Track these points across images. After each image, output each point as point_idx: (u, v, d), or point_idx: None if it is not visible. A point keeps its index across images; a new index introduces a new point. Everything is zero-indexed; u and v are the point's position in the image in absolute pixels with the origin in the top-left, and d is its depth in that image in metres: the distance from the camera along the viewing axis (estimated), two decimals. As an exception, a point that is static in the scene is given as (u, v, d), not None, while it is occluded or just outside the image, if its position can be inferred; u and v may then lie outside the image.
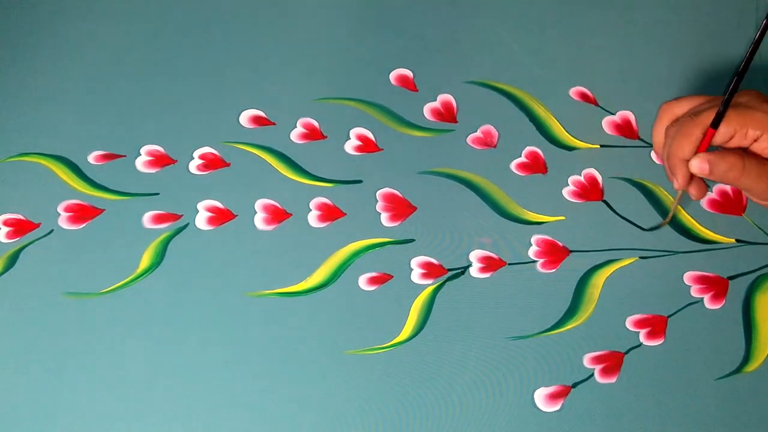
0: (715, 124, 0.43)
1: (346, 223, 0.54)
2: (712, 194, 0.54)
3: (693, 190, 0.47)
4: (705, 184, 0.48)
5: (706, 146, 0.44)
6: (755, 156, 0.44)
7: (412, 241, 0.53)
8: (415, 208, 0.54)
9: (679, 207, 0.54)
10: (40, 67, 0.60)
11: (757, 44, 0.42)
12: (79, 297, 0.51)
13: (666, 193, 0.54)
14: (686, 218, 0.53)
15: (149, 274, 0.52)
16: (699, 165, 0.44)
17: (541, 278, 0.52)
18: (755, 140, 0.43)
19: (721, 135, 0.43)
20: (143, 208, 0.54)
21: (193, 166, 0.56)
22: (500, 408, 0.48)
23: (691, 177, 0.46)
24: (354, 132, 0.57)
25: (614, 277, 0.52)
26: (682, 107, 0.46)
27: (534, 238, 0.53)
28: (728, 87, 0.42)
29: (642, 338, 0.50)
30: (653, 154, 0.56)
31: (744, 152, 0.44)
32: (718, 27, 0.61)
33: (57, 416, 0.47)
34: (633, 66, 0.59)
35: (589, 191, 0.55)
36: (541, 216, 0.54)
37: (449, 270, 0.52)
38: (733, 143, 0.44)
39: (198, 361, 0.49)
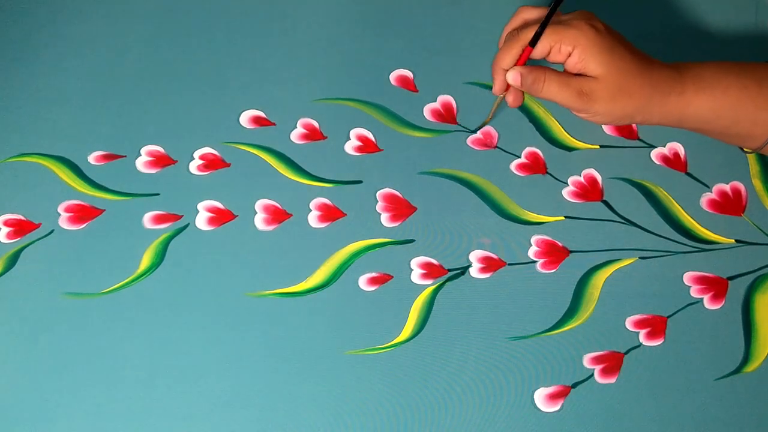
0: (533, 42, 0.47)
1: (346, 224, 0.54)
2: (711, 194, 0.54)
3: (510, 98, 0.51)
4: (521, 94, 0.51)
5: (523, 61, 0.48)
6: (559, 72, 0.48)
7: (412, 241, 0.53)
8: (415, 209, 0.54)
9: (679, 207, 0.54)
10: (40, 67, 0.60)
11: None
12: (80, 297, 0.51)
13: (666, 193, 0.54)
14: (686, 218, 0.54)
15: (149, 274, 0.52)
16: (513, 76, 0.48)
17: (541, 278, 0.52)
18: (569, 55, 0.47)
19: (538, 51, 0.47)
20: (143, 209, 0.54)
21: (194, 166, 0.56)
22: (500, 408, 0.48)
23: (509, 86, 0.50)
24: (354, 132, 0.57)
25: (614, 278, 0.52)
26: (532, 14, 0.50)
27: (534, 239, 0.53)
28: (550, 6, 0.47)
29: (642, 338, 0.50)
30: (652, 154, 0.56)
31: (550, 68, 0.48)
32: (718, 27, 0.61)
33: (57, 416, 0.48)
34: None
35: (589, 191, 0.55)
36: (541, 216, 0.54)
37: (449, 270, 0.52)
38: (552, 58, 0.48)
39: (198, 362, 0.49)
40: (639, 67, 0.47)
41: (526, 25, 0.48)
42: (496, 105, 0.53)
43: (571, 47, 0.46)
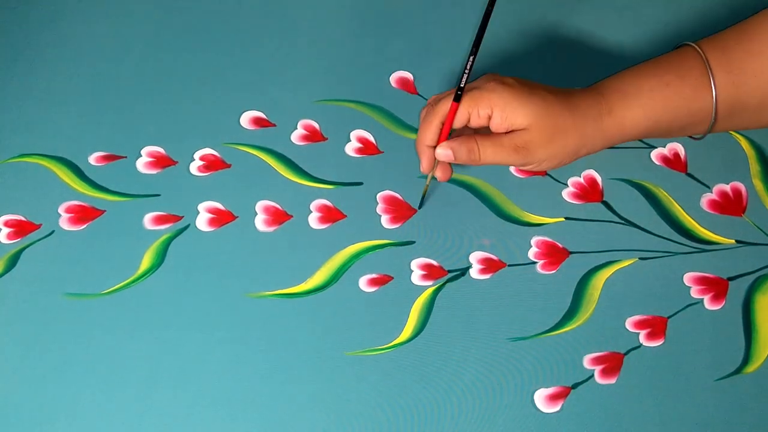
0: (457, 98, 0.46)
1: (346, 225, 0.54)
2: (711, 195, 0.54)
3: (439, 173, 0.50)
4: (449, 167, 0.51)
5: (446, 133, 0.47)
6: (489, 135, 0.47)
7: (412, 243, 0.53)
8: (415, 211, 0.54)
9: (679, 207, 0.54)
10: (40, 67, 0.60)
11: (479, 41, 0.45)
12: (80, 298, 0.51)
13: (666, 193, 0.54)
14: (686, 219, 0.54)
15: (150, 275, 0.52)
16: (444, 154, 0.47)
17: (541, 279, 0.52)
18: (489, 118, 0.46)
19: (458, 120, 0.47)
20: (144, 210, 0.54)
21: (194, 167, 0.56)
22: (500, 408, 0.48)
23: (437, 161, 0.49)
24: (354, 134, 0.57)
25: (614, 278, 0.52)
26: (442, 94, 0.49)
27: (534, 240, 0.53)
28: (459, 77, 0.46)
29: (642, 339, 0.50)
30: (652, 154, 0.56)
31: (476, 134, 0.48)
32: (718, 27, 0.61)
33: (57, 416, 0.47)
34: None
35: (589, 192, 0.55)
36: (541, 217, 0.54)
37: (449, 271, 0.52)
38: (473, 124, 0.47)
39: (198, 362, 0.49)
40: (562, 102, 0.46)
41: (437, 101, 0.48)
42: (428, 183, 0.52)
43: (489, 109, 0.46)
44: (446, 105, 0.47)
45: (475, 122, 0.47)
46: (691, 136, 0.52)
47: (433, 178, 0.51)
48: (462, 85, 0.46)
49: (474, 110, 0.46)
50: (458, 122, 0.47)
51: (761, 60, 0.45)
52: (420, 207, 0.53)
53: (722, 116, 0.47)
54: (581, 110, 0.46)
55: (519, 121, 0.46)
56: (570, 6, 0.63)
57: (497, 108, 0.46)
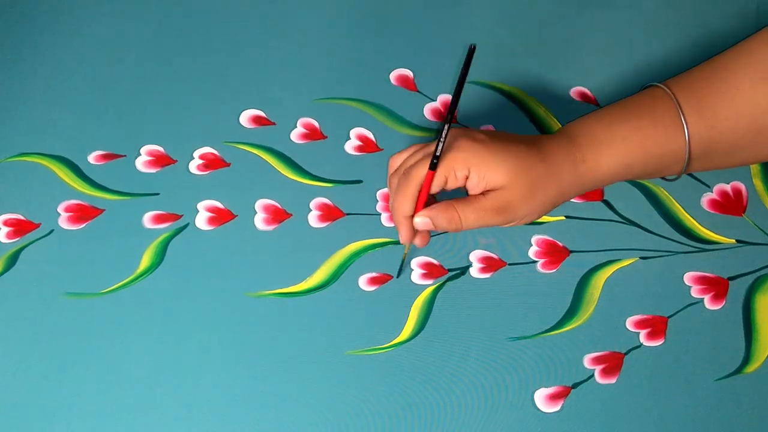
0: (433, 166, 0.44)
1: (346, 224, 0.54)
2: (712, 194, 0.54)
3: (418, 241, 0.49)
4: (428, 233, 0.49)
5: (423, 201, 0.46)
6: (467, 199, 0.46)
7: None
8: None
9: (680, 207, 0.54)
10: (40, 67, 0.60)
11: (458, 93, 0.43)
12: (80, 297, 0.51)
13: (666, 193, 0.54)
14: (687, 218, 0.54)
15: (149, 274, 0.52)
16: (423, 222, 0.46)
17: (541, 278, 0.52)
18: (467, 178, 0.45)
19: (436, 185, 0.45)
20: (143, 208, 0.54)
21: (194, 166, 0.56)
22: (500, 408, 0.48)
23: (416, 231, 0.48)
24: (354, 132, 0.57)
25: (614, 278, 0.52)
26: (402, 155, 0.48)
27: (534, 239, 0.53)
28: (437, 141, 0.44)
29: (642, 339, 0.50)
30: None
31: (454, 200, 0.46)
32: (719, 27, 0.61)
33: (57, 416, 0.48)
34: (633, 66, 0.59)
35: (590, 191, 0.55)
36: (542, 216, 0.54)
37: (449, 270, 0.52)
38: (450, 187, 0.46)
39: (198, 362, 0.49)
40: (536, 155, 0.45)
41: (402, 167, 0.47)
42: (406, 251, 0.50)
43: (466, 170, 0.44)
44: (421, 171, 0.45)
45: (452, 184, 0.45)
46: (664, 178, 0.52)
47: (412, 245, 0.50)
48: (437, 154, 0.44)
49: (451, 174, 0.45)
50: (435, 188, 0.45)
51: (731, 102, 0.45)
52: (398, 276, 0.52)
53: (696, 158, 0.47)
54: (557, 161, 0.46)
55: (497, 179, 0.44)
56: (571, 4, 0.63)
57: (474, 168, 0.44)
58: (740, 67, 0.45)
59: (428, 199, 0.46)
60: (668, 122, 0.46)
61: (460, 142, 0.45)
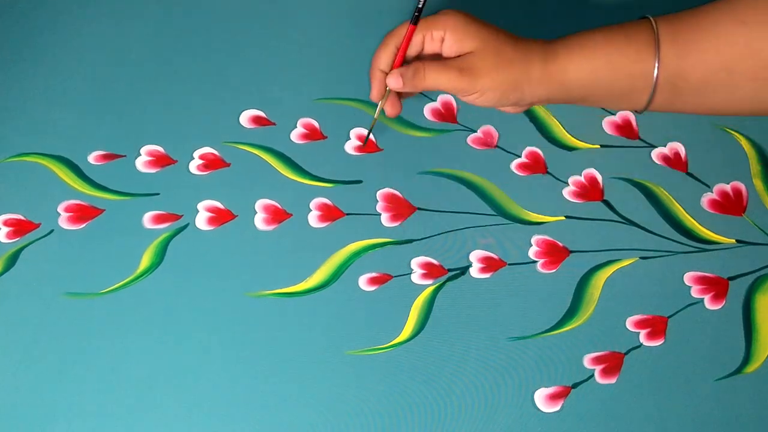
0: (415, 20, 0.47)
1: (346, 224, 0.54)
2: (712, 194, 0.54)
3: (387, 108, 0.50)
4: (399, 103, 0.50)
5: (402, 56, 0.47)
6: (440, 59, 0.47)
7: (412, 241, 0.53)
8: (415, 209, 0.54)
9: (680, 207, 0.54)
10: (40, 67, 0.60)
11: None
12: (79, 297, 0.51)
13: (666, 193, 0.54)
14: (687, 218, 0.54)
15: (149, 274, 0.52)
16: (394, 80, 0.47)
17: (542, 279, 0.52)
18: (442, 41, 0.47)
19: (415, 43, 0.47)
20: (143, 209, 0.54)
21: (194, 166, 0.56)
22: (500, 408, 0.48)
23: (398, 96, 0.50)
24: (354, 132, 0.57)
25: (614, 278, 0.52)
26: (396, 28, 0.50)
27: (534, 239, 0.53)
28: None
29: (642, 339, 0.50)
30: (653, 153, 0.56)
31: (427, 59, 0.48)
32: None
33: (57, 416, 0.48)
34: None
35: (590, 191, 0.55)
36: (542, 216, 0.54)
37: (449, 270, 0.52)
38: (427, 50, 0.48)
39: (198, 362, 0.49)
40: (510, 39, 0.47)
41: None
42: (376, 116, 0.51)
43: (443, 31, 0.46)
44: (403, 28, 0.47)
45: (429, 47, 0.48)
46: (633, 111, 0.51)
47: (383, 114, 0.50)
48: (420, 6, 0.47)
49: (428, 33, 0.47)
50: (413, 49, 0.48)
51: (709, 36, 0.45)
52: (365, 143, 0.52)
53: (662, 87, 0.46)
54: (528, 49, 0.47)
55: (468, 43, 0.46)
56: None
57: (449, 30, 0.46)
58: (728, 8, 0.45)
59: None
60: (642, 42, 0.46)
61: (444, 10, 0.47)
